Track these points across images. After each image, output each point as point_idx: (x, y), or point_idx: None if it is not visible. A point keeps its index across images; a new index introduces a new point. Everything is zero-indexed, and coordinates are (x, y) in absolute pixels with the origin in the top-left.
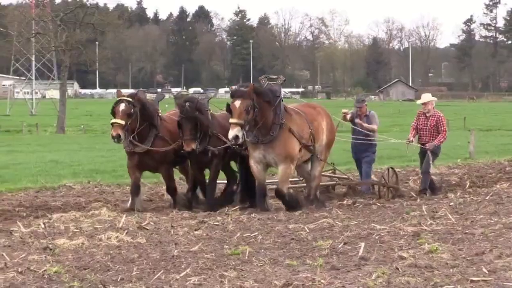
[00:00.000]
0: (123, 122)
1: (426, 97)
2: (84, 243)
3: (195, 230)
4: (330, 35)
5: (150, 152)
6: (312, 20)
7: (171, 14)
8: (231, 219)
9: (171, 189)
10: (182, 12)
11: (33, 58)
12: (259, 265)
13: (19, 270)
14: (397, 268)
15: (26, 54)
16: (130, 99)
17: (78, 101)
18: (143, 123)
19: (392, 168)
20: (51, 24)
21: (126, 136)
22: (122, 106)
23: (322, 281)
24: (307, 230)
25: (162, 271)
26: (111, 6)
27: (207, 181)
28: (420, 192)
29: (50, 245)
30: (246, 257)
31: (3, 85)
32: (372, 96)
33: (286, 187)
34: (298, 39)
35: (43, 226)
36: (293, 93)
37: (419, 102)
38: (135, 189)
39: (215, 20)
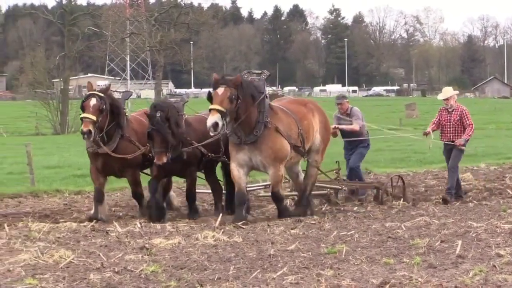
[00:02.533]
0: (94, 118)
1: (447, 91)
2: (180, 243)
3: (292, 229)
4: (425, 33)
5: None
6: (406, 18)
7: (265, 13)
8: (327, 218)
9: (138, 194)
10: (277, 10)
11: (127, 58)
12: (356, 263)
13: (116, 270)
14: (494, 266)
15: (120, 54)
16: (101, 94)
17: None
18: (111, 122)
19: (399, 176)
20: (146, 24)
21: (95, 135)
22: (93, 101)
23: (419, 279)
24: (404, 228)
25: (258, 270)
26: (205, 5)
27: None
28: (446, 190)
29: (147, 245)
30: (343, 256)
31: (98, 85)
32: (468, 94)
33: (281, 188)
34: (393, 37)
35: (139, 225)
36: (388, 91)
37: (439, 97)
38: (99, 196)
39: (309, 18)
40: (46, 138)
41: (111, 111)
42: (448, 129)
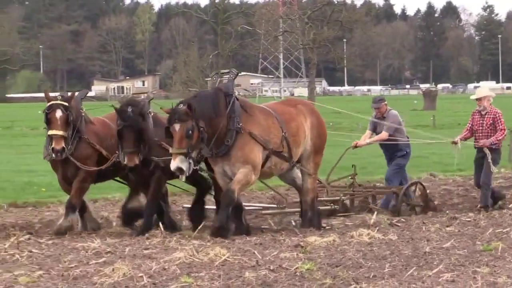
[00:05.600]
0: (64, 134)
1: (481, 91)
2: (335, 240)
3: (447, 226)
4: None
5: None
6: None
7: (418, 10)
8: (483, 215)
9: (72, 204)
10: (430, 7)
11: (281, 56)
12: None
13: (271, 267)
14: None
15: (273, 53)
16: (66, 104)
17: (326, 98)
18: (74, 130)
19: (419, 182)
20: (299, 22)
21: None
22: (59, 113)
23: None
24: None
25: (414, 268)
26: (358, 3)
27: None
28: (481, 207)
29: (302, 243)
30: (499, 253)
31: (252, 84)
32: None
33: (238, 190)
34: None
35: (294, 223)
36: None
37: (472, 97)
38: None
39: (463, 15)
40: None
41: (73, 119)
42: (481, 134)
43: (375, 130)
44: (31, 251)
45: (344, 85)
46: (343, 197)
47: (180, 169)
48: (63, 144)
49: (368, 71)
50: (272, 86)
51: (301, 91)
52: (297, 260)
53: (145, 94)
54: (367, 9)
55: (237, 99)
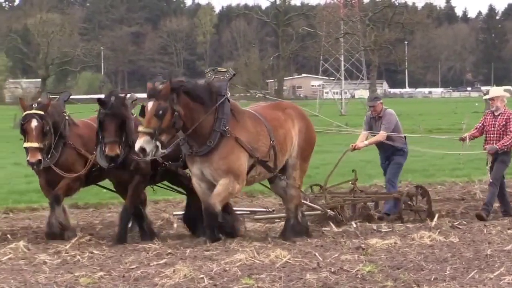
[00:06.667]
0: (40, 145)
1: (494, 91)
2: (396, 243)
3: (508, 229)
4: None
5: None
6: None
7: (480, 13)
8: None
9: (57, 197)
10: (491, 10)
11: (342, 58)
12: None
13: (332, 270)
14: None
15: (334, 54)
16: (41, 113)
17: (387, 100)
18: (55, 137)
19: (421, 186)
20: (360, 24)
21: (44, 160)
22: (34, 123)
23: None
24: None
25: (475, 271)
26: (419, 5)
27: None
28: (483, 205)
29: (363, 245)
30: None
31: (312, 86)
32: None
33: (220, 204)
34: None
35: (354, 225)
36: None
37: (485, 97)
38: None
39: None
40: None
41: (53, 126)
42: (492, 135)
43: (371, 130)
44: (92, 252)
45: (405, 87)
46: (329, 201)
47: (142, 150)
48: (39, 157)
49: (429, 73)
50: (333, 88)
51: (362, 93)
52: (358, 262)
53: (129, 95)
54: (428, 11)
55: (229, 101)
